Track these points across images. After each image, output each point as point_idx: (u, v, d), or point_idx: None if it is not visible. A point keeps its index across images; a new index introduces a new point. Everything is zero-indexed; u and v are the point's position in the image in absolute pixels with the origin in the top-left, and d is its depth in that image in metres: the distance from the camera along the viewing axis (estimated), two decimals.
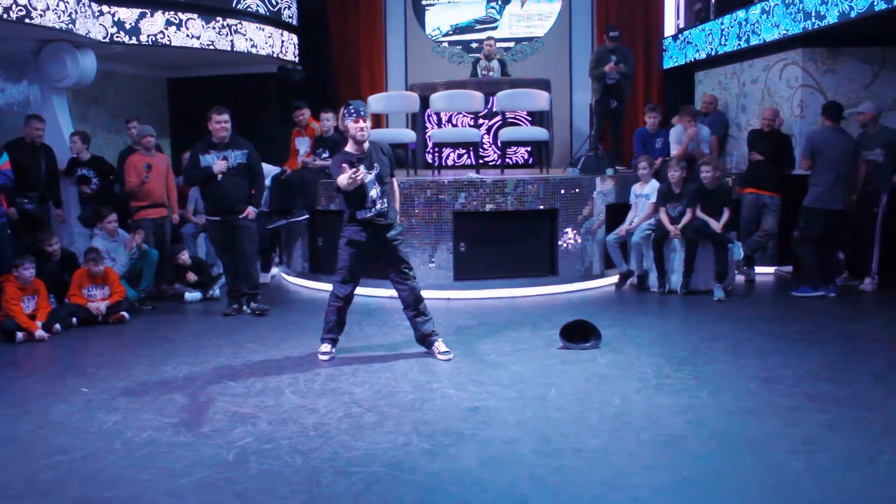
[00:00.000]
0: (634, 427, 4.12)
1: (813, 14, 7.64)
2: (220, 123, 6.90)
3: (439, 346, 5.59)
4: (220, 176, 6.85)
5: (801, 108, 8.51)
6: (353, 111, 5.42)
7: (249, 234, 7.09)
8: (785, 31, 8.20)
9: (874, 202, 7.55)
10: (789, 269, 8.64)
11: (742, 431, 4.06)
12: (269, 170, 8.82)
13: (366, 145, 5.47)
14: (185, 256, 7.87)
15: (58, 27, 7.55)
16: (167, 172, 8.07)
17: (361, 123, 5.40)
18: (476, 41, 12.99)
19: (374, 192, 5.43)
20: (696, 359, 5.39)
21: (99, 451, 3.92)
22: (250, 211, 7.03)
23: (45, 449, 3.96)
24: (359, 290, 7.80)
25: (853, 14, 7.03)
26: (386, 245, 5.54)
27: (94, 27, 8.51)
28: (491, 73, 10.84)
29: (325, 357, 5.54)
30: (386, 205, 5.50)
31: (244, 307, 7.12)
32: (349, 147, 5.54)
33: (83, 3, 8.13)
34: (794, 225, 8.31)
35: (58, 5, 7.49)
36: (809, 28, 7.75)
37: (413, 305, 5.64)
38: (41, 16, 7.27)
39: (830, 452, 3.76)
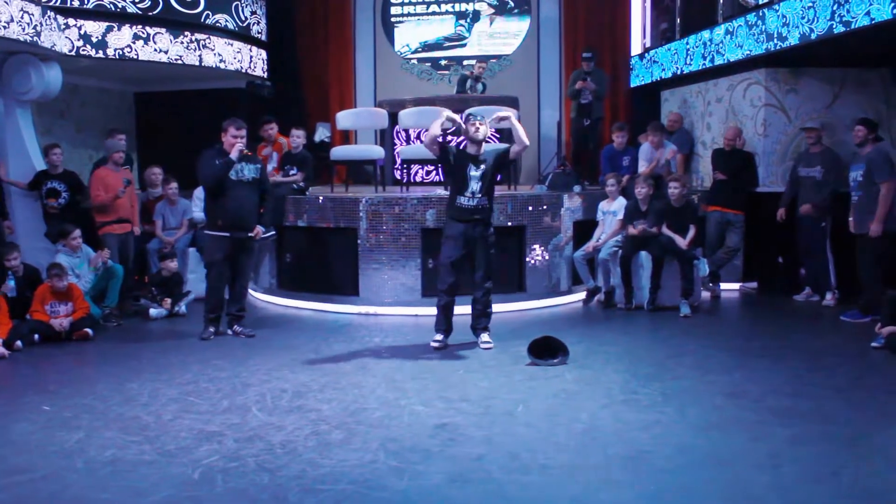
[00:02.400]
0: (602, 443, 4.14)
1: (775, 35, 7.79)
2: (238, 138, 6.70)
3: (484, 336, 6.30)
4: (236, 154, 6.60)
5: (765, 126, 8.66)
6: (467, 117, 6.52)
7: (252, 254, 7.04)
8: (748, 52, 8.35)
9: (822, 219, 7.74)
10: (754, 285, 8.78)
11: (708, 446, 4.09)
12: None
13: (482, 147, 6.33)
14: (173, 264, 7.81)
15: (22, 39, 7.47)
16: (131, 187, 8.02)
17: (477, 125, 6.32)
18: (445, 59, 13.08)
19: (475, 185, 6.20)
20: (662, 374, 5.43)
21: (60, 470, 3.85)
22: (258, 230, 6.86)
23: (4, 469, 3.87)
24: (326, 307, 7.88)
25: (813, 36, 7.17)
26: (476, 242, 6.26)
27: (60, 40, 8.43)
28: (475, 94, 11.02)
29: (435, 344, 6.27)
30: (486, 203, 6.23)
31: (227, 330, 6.89)
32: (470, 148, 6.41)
33: (48, 16, 8.05)
34: (763, 241, 8.50)
35: (22, 17, 7.41)
36: (772, 49, 7.90)
37: (480, 302, 6.38)
38: (5, 27, 7.18)
39: (795, 466, 3.81)
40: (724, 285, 8.58)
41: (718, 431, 4.31)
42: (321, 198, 8.08)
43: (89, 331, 6.73)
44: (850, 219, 7.22)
